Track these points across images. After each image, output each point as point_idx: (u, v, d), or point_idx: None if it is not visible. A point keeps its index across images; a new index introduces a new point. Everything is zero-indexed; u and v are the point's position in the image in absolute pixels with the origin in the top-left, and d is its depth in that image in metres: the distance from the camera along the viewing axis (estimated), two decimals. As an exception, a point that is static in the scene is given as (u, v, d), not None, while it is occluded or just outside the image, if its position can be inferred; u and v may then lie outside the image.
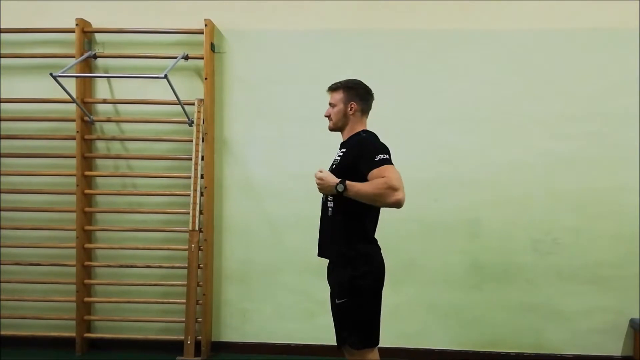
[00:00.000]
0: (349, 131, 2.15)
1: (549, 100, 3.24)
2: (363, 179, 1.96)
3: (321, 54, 3.33)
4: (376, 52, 3.31)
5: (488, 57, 3.27)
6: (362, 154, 2.01)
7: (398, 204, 1.88)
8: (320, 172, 2.04)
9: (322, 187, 2.03)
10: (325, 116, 2.20)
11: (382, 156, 1.95)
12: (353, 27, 3.30)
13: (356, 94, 2.14)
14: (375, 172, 1.92)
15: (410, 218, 3.23)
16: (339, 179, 1.97)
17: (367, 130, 2.15)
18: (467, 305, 3.32)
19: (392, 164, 1.96)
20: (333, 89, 2.18)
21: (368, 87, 2.19)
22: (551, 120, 3.25)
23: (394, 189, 1.86)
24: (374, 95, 2.20)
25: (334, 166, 2.12)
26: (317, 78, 3.26)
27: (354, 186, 1.94)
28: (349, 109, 2.13)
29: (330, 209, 2.09)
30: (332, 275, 2.12)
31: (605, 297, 3.26)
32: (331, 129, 2.21)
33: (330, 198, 2.09)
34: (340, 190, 1.95)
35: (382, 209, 2.11)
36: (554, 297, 3.28)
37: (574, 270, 3.26)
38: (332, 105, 2.18)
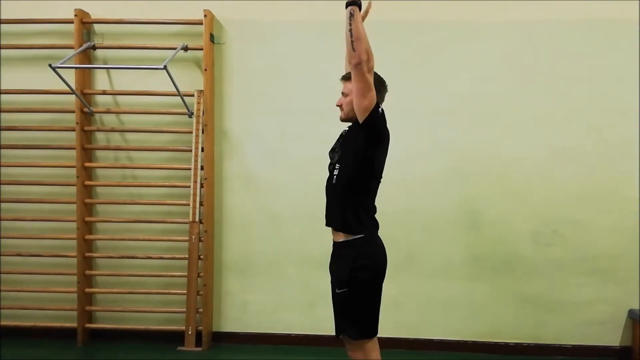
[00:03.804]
0: None
1: (549, 93, 3.23)
2: (365, 148, 1.97)
3: (321, 45, 3.30)
4: (376, 44, 3.24)
5: (487, 50, 3.25)
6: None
7: (357, 57, 1.90)
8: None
9: None
10: (337, 105, 2.12)
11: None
12: (353, 17, 3.28)
13: None
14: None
15: (410, 210, 3.24)
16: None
17: None
18: (466, 296, 3.33)
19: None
20: (346, 78, 2.08)
21: (382, 77, 2.11)
22: (551, 113, 3.23)
23: (368, 55, 1.93)
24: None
25: (341, 140, 2.12)
26: (317, 69, 3.29)
27: (357, 17, 1.96)
28: None
29: (335, 176, 2.07)
30: (333, 265, 2.12)
31: (604, 288, 3.27)
32: (342, 120, 2.12)
33: (337, 166, 2.07)
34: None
35: (381, 198, 2.11)
36: (553, 288, 3.29)
37: (574, 262, 3.27)
38: (344, 94, 2.09)
